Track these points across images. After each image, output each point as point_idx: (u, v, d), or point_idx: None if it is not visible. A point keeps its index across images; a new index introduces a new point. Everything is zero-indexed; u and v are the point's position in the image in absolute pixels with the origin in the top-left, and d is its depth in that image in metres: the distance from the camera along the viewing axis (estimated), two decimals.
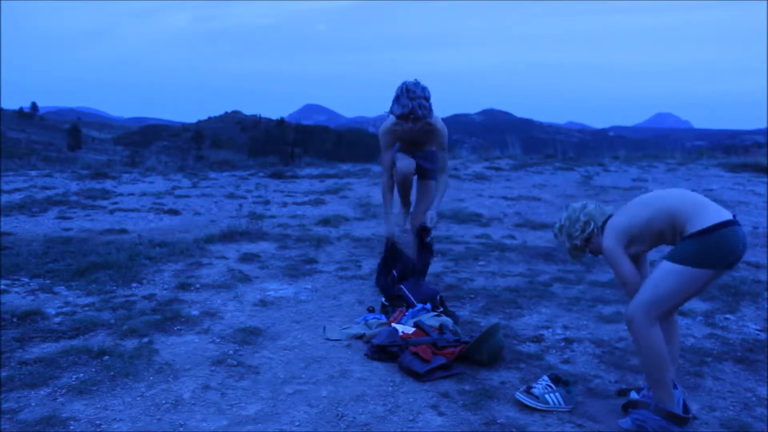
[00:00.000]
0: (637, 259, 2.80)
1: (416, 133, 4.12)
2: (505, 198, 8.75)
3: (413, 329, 3.44)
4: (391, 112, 4.01)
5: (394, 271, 4.20)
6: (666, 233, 2.59)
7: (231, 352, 3.33)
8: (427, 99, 3.96)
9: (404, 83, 3.97)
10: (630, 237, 2.64)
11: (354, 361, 3.25)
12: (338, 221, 7.10)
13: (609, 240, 2.67)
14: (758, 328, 3.89)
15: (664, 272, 2.51)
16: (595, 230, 2.79)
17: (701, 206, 2.52)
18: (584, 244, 2.84)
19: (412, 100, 3.90)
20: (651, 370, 2.59)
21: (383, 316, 3.84)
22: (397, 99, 3.96)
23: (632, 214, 2.65)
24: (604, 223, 2.77)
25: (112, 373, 2.98)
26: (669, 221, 2.56)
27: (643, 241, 2.65)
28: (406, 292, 3.98)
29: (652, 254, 2.91)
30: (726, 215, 2.48)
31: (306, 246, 5.82)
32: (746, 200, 8.48)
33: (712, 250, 2.44)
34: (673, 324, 2.80)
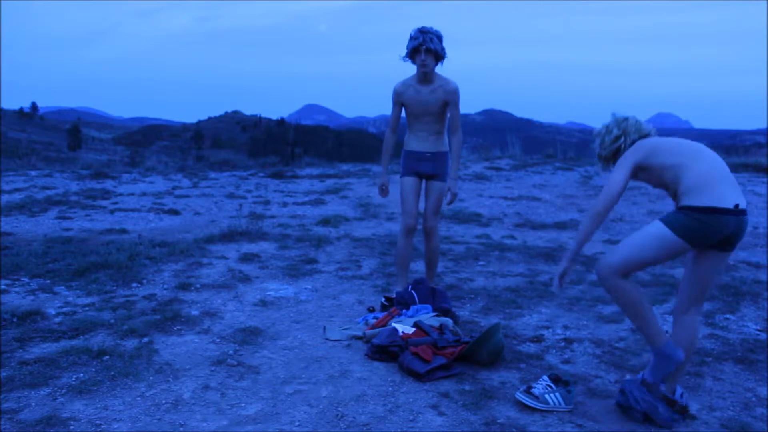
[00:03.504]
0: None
1: (427, 94, 4.10)
2: (505, 198, 8.75)
3: (413, 329, 3.44)
4: (405, 56, 4.08)
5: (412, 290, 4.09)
6: (669, 187, 2.64)
7: (231, 352, 3.33)
8: (440, 38, 4.03)
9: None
10: (644, 167, 2.66)
11: (354, 361, 3.25)
12: (338, 221, 7.10)
13: (626, 155, 2.69)
14: (758, 328, 3.89)
15: (647, 234, 2.58)
16: (622, 147, 2.79)
17: (710, 183, 2.53)
18: (611, 156, 2.85)
19: (423, 33, 3.98)
20: (631, 317, 2.67)
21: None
22: (409, 38, 4.04)
23: (657, 153, 2.65)
24: (634, 141, 2.77)
25: (112, 373, 2.97)
26: (675, 180, 2.59)
27: (650, 178, 2.69)
28: (413, 293, 3.96)
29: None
30: (726, 202, 2.50)
31: (306, 246, 5.83)
32: (746, 200, 8.48)
33: (695, 228, 2.48)
34: (692, 324, 2.77)
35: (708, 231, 2.49)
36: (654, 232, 2.57)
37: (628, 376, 2.79)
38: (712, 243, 2.56)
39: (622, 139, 2.79)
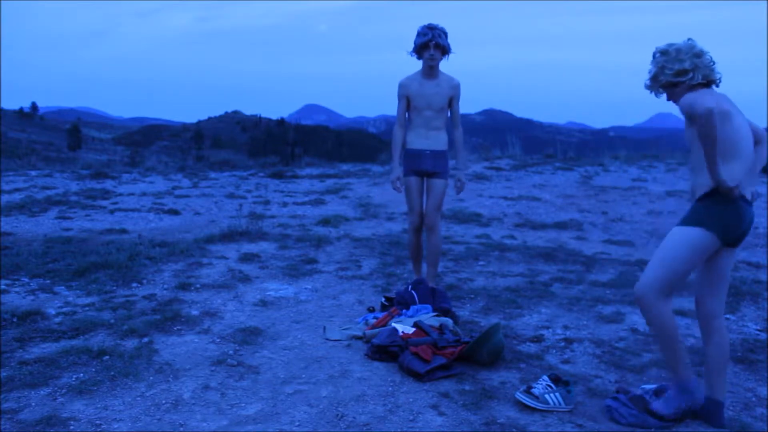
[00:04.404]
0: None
1: (431, 88, 4.20)
2: (505, 198, 8.75)
3: (413, 329, 3.44)
4: (412, 51, 4.20)
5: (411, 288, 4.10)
6: (699, 161, 2.47)
7: (231, 352, 3.33)
8: (446, 35, 4.18)
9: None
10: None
11: (354, 361, 3.25)
12: (338, 221, 7.10)
13: (704, 100, 2.33)
14: (758, 328, 3.89)
15: (674, 241, 2.50)
16: (687, 83, 2.52)
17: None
18: (666, 85, 2.58)
19: (432, 30, 4.13)
20: (662, 346, 2.63)
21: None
22: (417, 34, 4.17)
23: (722, 125, 2.35)
24: (697, 85, 2.51)
25: (112, 373, 2.97)
26: (702, 153, 2.40)
27: (692, 138, 2.45)
28: (413, 293, 3.95)
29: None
30: (746, 193, 2.45)
31: (306, 246, 5.83)
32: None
33: (720, 215, 2.44)
34: (721, 327, 2.68)
35: (735, 219, 2.43)
36: (681, 237, 2.48)
37: (607, 401, 2.77)
38: (737, 234, 2.48)
39: (690, 75, 2.49)
